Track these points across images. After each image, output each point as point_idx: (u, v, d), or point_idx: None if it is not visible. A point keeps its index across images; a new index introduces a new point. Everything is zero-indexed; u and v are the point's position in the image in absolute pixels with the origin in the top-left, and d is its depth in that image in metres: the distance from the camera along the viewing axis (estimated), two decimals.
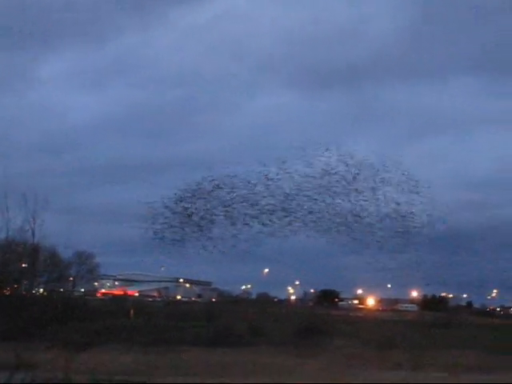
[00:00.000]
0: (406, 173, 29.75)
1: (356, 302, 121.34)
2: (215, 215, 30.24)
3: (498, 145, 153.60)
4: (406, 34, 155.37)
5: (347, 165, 29.79)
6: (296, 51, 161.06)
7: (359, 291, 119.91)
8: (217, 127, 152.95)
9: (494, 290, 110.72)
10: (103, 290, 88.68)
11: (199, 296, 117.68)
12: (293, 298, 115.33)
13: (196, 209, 30.16)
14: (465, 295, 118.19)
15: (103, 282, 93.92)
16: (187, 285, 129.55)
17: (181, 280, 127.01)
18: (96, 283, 75.60)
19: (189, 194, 30.15)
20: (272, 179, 30.37)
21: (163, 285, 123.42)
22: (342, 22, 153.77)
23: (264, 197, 31.09)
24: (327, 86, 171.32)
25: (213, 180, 29.69)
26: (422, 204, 33.36)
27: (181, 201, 30.03)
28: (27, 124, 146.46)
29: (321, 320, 44.07)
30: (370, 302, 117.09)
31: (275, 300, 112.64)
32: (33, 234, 45.68)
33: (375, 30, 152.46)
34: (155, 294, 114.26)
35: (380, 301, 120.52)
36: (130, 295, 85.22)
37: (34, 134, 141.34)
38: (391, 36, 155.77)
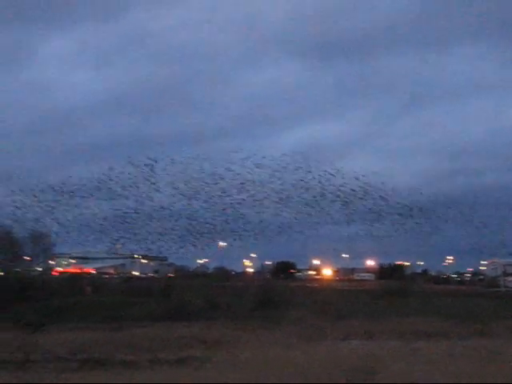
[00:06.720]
0: None
1: (312, 272, 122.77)
2: None
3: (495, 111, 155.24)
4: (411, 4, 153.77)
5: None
6: (303, 21, 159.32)
7: (315, 262, 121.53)
8: (216, 101, 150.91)
9: (449, 257, 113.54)
10: (59, 269, 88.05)
11: (156, 272, 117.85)
12: (250, 270, 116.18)
13: None
14: (421, 263, 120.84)
15: (59, 260, 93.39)
16: (143, 260, 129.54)
17: (136, 256, 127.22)
18: (52, 262, 75.18)
19: None
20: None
21: (119, 261, 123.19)
22: None
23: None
24: (330, 56, 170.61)
25: None
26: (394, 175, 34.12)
27: None
28: (26, 102, 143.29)
29: (278, 292, 44.36)
30: (327, 272, 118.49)
31: (232, 273, 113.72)
32: None
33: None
34: (112, 270, 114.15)
35: (336, 271, 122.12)
36: (86, 273, 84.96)
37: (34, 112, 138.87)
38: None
